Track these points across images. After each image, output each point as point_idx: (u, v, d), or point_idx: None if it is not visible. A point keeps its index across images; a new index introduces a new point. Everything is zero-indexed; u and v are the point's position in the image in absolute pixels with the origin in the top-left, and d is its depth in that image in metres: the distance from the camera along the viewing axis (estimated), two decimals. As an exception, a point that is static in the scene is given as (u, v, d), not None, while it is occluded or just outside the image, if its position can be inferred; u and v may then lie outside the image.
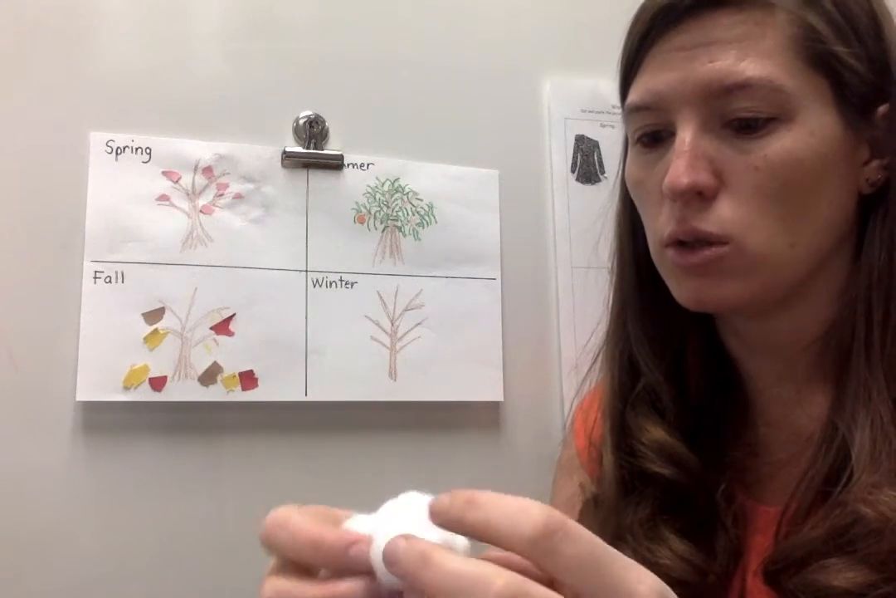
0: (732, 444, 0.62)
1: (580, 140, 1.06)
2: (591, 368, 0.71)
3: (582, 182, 1.06)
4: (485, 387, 0.97)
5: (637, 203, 0.61)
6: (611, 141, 1.07)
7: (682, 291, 0.57)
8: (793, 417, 0.59)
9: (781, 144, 0.52)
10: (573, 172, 1.05)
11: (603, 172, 1.06)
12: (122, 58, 0.90)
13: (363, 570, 0.33)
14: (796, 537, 0.52)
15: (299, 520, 0.35)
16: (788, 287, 0.55)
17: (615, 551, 0.32)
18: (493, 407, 0.99)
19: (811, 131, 0.53)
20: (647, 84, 0.56)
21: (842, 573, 0.48)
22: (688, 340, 0.63)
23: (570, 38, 1.08)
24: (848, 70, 0.53)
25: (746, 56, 0.52)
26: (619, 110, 1.06)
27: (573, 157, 1.06)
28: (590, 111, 1.07)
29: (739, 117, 0.53)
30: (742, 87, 0.52)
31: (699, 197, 0.54)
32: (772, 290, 0.55)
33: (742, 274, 0.54)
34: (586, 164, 1.06)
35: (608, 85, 1.07)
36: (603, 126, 1.07)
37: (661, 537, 0.58)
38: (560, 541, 0.30)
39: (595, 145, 1.07)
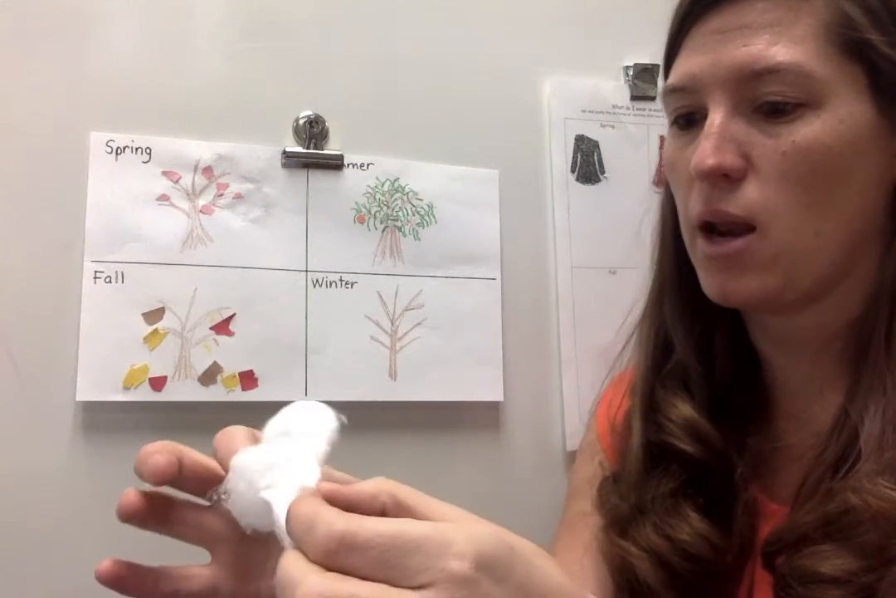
0: (752, 432, 0.62)
1: (580, 140, 1.06)
2: (622, 350, 0.72)
3: (582, 182, 1.06)
4: (485, 387, 0.97)
5: (671, 186, 0.62)
6: (611, 141, 1.07)
7: (709, 284, 0.58)
8: (812, 412, 0.59)
9: (810, 130, 0.52)
10: (573, 172, 1.05)
11: (603, 172, 1.06)
12: (122, 58, 0.90)
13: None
14: (790, 520, 0.53)
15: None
16: (813, 279, 0.55)
17: (417, 532, 0.32)
18: (493, 407, 0.99)
19: (841, 119, 0.53)
20: (684, 66, 0.57)
21: (829, 560, 0.48)
22: (718, 327, 0.64)
23: (570, 38, 1.08)
24: (883, 59, 0.53)
25: (778, 41, 0.53)
26: (619, 110, 1.08)
27: (573, 157, 1.06)
28: (590, 111, 1.07)
29: (769, 101, 0.53)
30: (772, 71, 0.52)
31: (726, 179, 0.54)
32: (796, 282, 0.55)
33: (767, 265, 0.54)
34: (586, 164, 1.06)
35: (608, 85, 1.08)
36: (603, 126, 1.07)
37: (681, 513, 0.59)
38: (346, 556, 0.31)
39: (595, 145, 1.07)
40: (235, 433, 0.43)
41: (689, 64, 0.57)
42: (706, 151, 0.53)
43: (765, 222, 0.54)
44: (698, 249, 0.58)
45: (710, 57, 0.55)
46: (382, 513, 0.33)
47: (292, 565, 0.32)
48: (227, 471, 0.42)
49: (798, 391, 0.61)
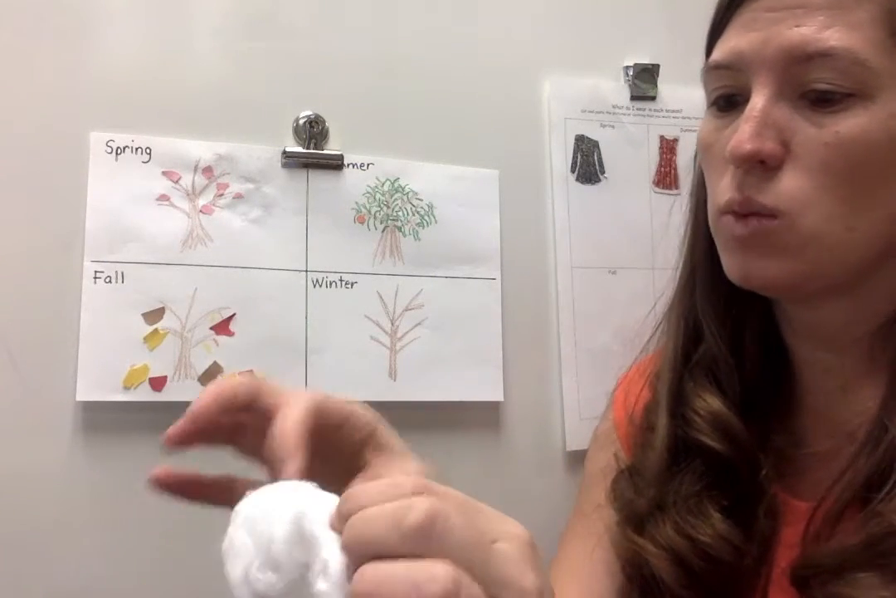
0: (776, 429, 0.60)
1: (580, 140, 1.06)
2: (648, 340, 0.70)
3: (582, 182, 1.06)
4: (485, 387, 0.97)
5: (704, 168, 0.60)
6: (611, 141, 1.07)
7: (731, 265, 0.56)
8: (836, 410, 0.58)
9: (856, 122, 0.50)
10: (573, 172, 1.05)
11: (603, 172, 1.06)
12: (122, 58, 0.90)
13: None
14: (830, 543, 0.51)
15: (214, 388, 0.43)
16: (843, 273, 0.53)
17: (481, 505, 0.35)
18: (493, 407, 0.99)
19: (891, 113, 0.50)
20: (731, 43, 0.55)
21: (874, 591, 0.46)
22: (748, 317, 0.62)
23: (570, 38, 1.08)
24: None
25: (834, 24, 0.50)
26: (619, 110, 1.08)
27: (573, 157, 1.06)
28: (590, 111, 1.07)
29: (816, 89, 0.51)
30: (823, 56, 0.50)
31: (762, 166, 0.52)
32: (822, 273, 0.53)
33: (791, 252, 0.52)
34: (586, 164, 1.06)
35: (608, 85, 1.08)
36: (603, 126, 1.07)
37: (704, 513, 0.58)
38: (441, 532, 0.32)
39: (595, 145, 1.07)
40: (287, 431, 0.41)
41: (737, 40, 0.54)
42: (744, 135, 0.51)
43: (796, 212, 0.51)
44: (723, 228, 0.56)
45: (760, 34, 0.52)
46: None
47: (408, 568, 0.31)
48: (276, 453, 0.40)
49: (822, 388, 0.60)
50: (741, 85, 0.55)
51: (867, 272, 0.54)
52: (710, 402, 0.60)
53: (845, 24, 0.50)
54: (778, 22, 0.52)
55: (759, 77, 0.53)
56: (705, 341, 0.62)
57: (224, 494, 0.44)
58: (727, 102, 0.56)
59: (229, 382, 0.43)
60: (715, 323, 0.62)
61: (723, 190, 0.55)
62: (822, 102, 0.51)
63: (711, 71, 0.57)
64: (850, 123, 0.50)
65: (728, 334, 0.62)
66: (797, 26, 0.51)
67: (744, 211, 0.53)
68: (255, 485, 0.41)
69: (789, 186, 0.52)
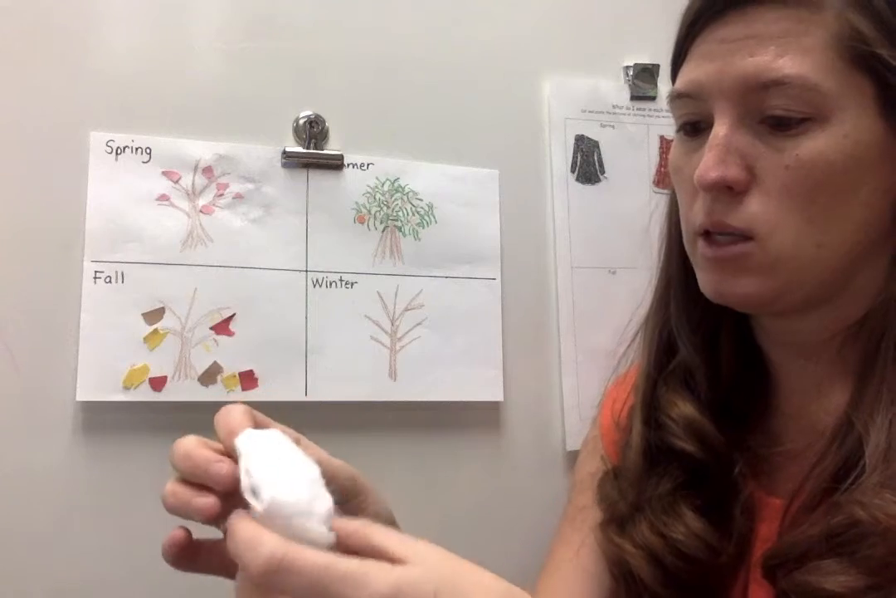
0: (752, 430, 0.62)
1: (580, 140, 1.06)
2: (627, 349, 0.72)
3: (582, 182, 1.06)
4: (485, 387, 0.97)
5: (676, 190, 0.62)
6: (611, 141, 1.07)
7: (706, 283, 0.58)
8: (809, 409, 0.60)
9: (814, 145, 0.52)
10: (573, 172, 1.05)
11: (603, 173, 1.06)
12: (122, 58, 0.90)
13: (228, 486, 0.41)
14: (794, 533, 0.53)
15: (189, 442, 0.43)
16: (814, 287, 0.55)
17: (345, 567, 0.36)
18: (493, 407, 0.99)
19: (846, 133, 0.52)
20: (690, 74, 0.57)
21: (833, 576, 0.48)
22: (723, 325, 0.64)
23: (570, 38, 1.08)
24: (892, 73, 0.53)
25: (785, 53, 0.52)
26: (619, 110, 1.08)
27: (573, 157, 1.06)
28: (590, 111, 1.07)
29: (774, 114, 0.53)
30: (777, 84, 0.52)
31: (729, 191, 0.54)
32: (796, 289, 0.55)
33: (765, 272, 0.54)
34: (586, 164, 1.06)
35: (608, 85, 1.08)
36: (603, 126, 1.07)
37: (678, 512, 0.60)
38: (282, 578, 0.35)
39: (595, 145, 1.07)
40: (233, 412, 0.44)
41: (696, 72, 0.56)
42: (709, 163, 0.53)
43: (765, 234, 0.54)
44: (698, 251, 0.58)
45: (716, 66, 0.55)
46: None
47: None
48: (230, 452, 0.42)
49: (796, 390, 0.62)
50: (704, 112, 0.57)
51: (838, 285, 0.56)
52: (682, 407, 0.62)
53: (796, 52, 0.52)
54: (733, 53, 0.54)
55: (719, 106, 0.55)
56: (679, 353, 0.64)
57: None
58: (693, 128, 0.58)
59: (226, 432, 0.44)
60: (689, 334, 0.64)
61: (695, 213, 0.57)
62: (781, 126, 0.53)
63: (675, 99, 0.59)
64: (809, 146, 0.52)
65: (702, 341, 0.64)
66: (751, 56, 0.53)
67: (716, 231, 0.56)
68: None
69: (756, 209, 0.54)
